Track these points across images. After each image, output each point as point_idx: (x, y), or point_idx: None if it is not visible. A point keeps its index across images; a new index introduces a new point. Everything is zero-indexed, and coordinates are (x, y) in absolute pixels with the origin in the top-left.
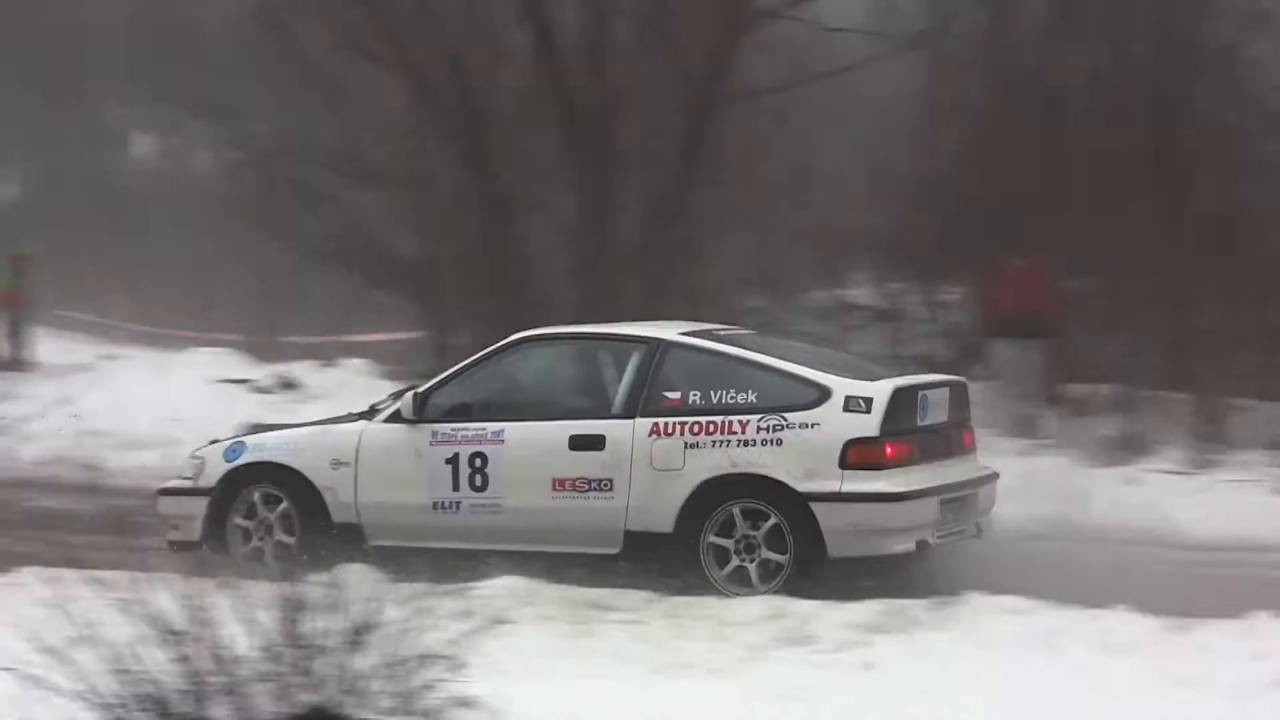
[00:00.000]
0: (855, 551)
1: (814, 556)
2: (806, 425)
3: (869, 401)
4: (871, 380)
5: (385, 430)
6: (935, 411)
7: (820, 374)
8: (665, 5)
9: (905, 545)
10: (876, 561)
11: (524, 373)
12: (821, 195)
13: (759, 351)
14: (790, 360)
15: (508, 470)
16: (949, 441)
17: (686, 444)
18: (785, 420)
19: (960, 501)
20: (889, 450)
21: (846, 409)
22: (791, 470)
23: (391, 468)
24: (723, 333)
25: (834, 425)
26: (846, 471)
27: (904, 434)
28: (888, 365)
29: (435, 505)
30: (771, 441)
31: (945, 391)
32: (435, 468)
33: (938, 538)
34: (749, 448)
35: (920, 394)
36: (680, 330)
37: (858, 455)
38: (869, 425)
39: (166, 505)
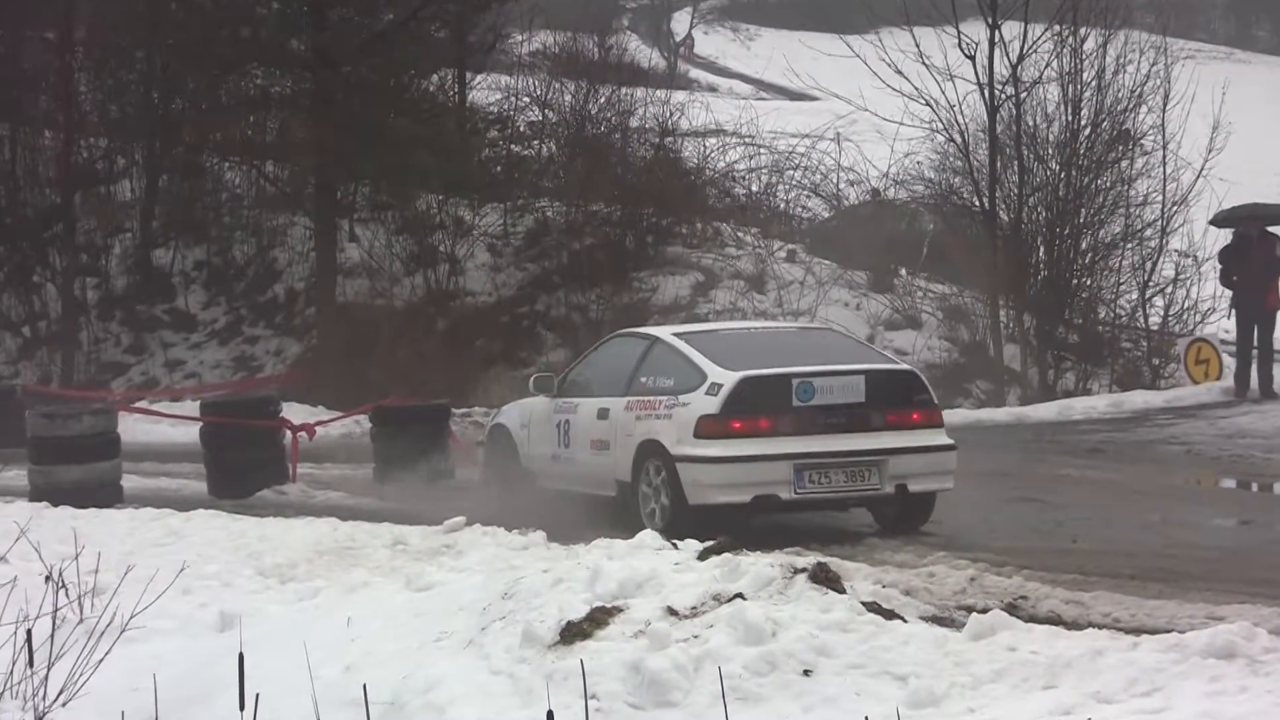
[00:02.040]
0: (703, 500)
1: (682, 504)
2: (684, 404)
3: (719, 387)
4: (736, 370)
5: (543, 402)
6: (833, 394)
7: (710, 364)
8: None
9: (741, 498)
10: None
11: (602, 361)
12: None
13: (698, 346)
14: (711, 353)
15: (575, 433)
16: (858, 418)
17: (637, 416)
18: (678, 400)
19: (841, 467)
20: (734, 424)
21: (707, 392)
22: (670, 437)
23: (540, 429)
24: (710, 330)
25: (696, 404)
26: (698, 440)
27: (761, 412)
28: (837, 357)
29: (553, 457)
30: (667, 416)
31: (855, 379)
32: (553, 430)
33: (797, 493)
34: (657, 420)
35: (796, 381)
36: (675, 330)
37: (706, 427)
38: (714, 405)
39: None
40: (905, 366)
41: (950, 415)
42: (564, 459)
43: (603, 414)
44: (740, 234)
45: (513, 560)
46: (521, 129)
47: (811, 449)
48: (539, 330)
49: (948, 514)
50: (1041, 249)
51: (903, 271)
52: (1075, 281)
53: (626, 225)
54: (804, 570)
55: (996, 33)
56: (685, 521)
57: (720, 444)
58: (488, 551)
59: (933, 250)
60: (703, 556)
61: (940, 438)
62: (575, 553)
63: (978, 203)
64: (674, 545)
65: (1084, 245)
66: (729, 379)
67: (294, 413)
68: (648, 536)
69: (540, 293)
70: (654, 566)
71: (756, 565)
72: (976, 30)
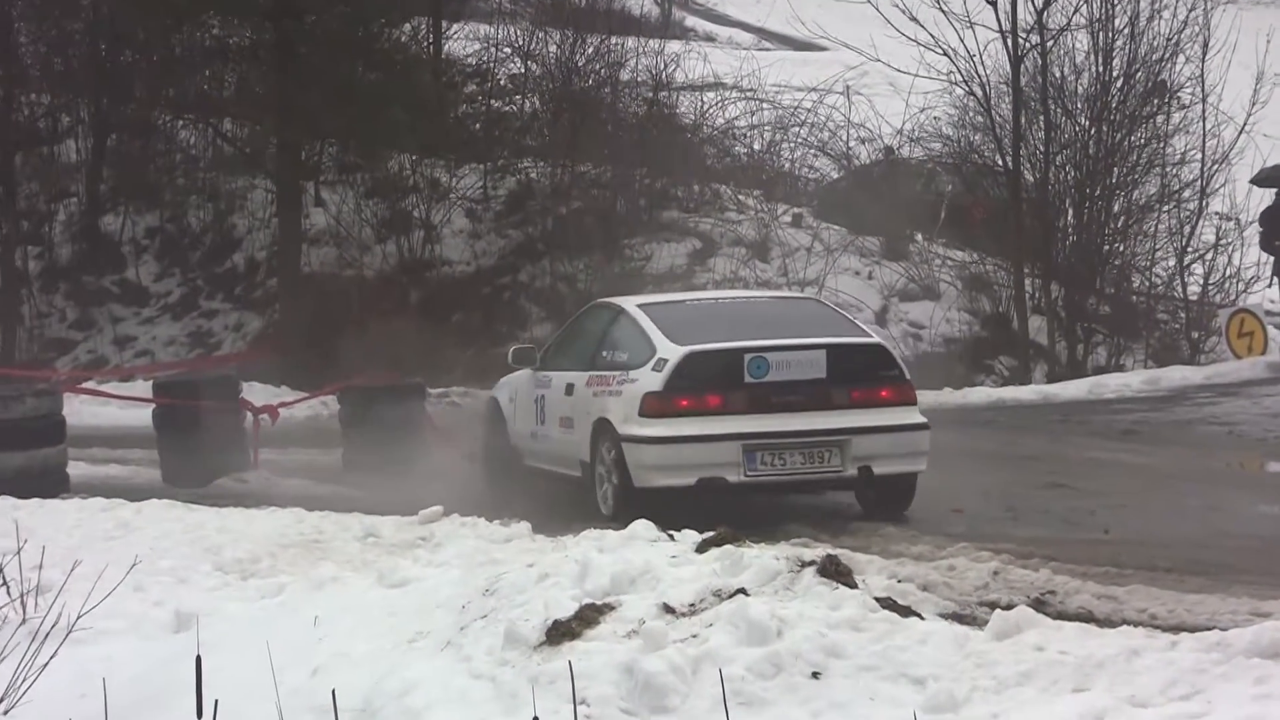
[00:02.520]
0: (647, 483)
1: (628, 486)
2: (633, 380)
3: (664, 362)
4: (684, 344)
5: (526, 374)
6: (790, 370)
7: (661, 338)
8: None
9: (684, 480)
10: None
11: (576, 334)
12: None
13: (657, 317)
14: (666, 325)
15: (548, 410)
16: (818, 395)
17: (594, 393)
18: (628, 375)
19: (798, 448)
20: (680, 402)
21: (654, 368)
22: (619, 416)
23: (523, 405)
24: (677, 301)
25: (644, 381)
26: (643, 419)
27: (710, 389)
28: (807, 329)
29: (532, 434)
30: (618, 393)
31: (815, 354)
32: (532, 405)
33: (747, 476)
34: (610, 397)
35: (748, 356)
36: (641, 300)
37: (650, 405)
38: (658, 381)
39: None
40: (873, 339)
41: (971, 394)
42: (540, 436)
43: (569, 390)
44: (741, 197)
45: (494, 553)
46: (502, 82)
47: (763, 428)
48: (522, 303)
49: (969, 501)
50: (1070, 212)
51: (919, 237)
52: (1107, 247)
53: (617, 188)
54: (812, 563)
55: None
56: (632, 505)
57: (664, 423)
58: (467, 544)
59: (951, 213)
60: (702, 549)
61: (910, 416)
62: (563, 545)
63: (1000, 162)
64: (670, 536)
65: (1116, 208)
66: (674, 353)
67: (255, 394)
68: (641, 527)
69: (523, 262)
70: (648, 560)
71: (760, 558)
72: None
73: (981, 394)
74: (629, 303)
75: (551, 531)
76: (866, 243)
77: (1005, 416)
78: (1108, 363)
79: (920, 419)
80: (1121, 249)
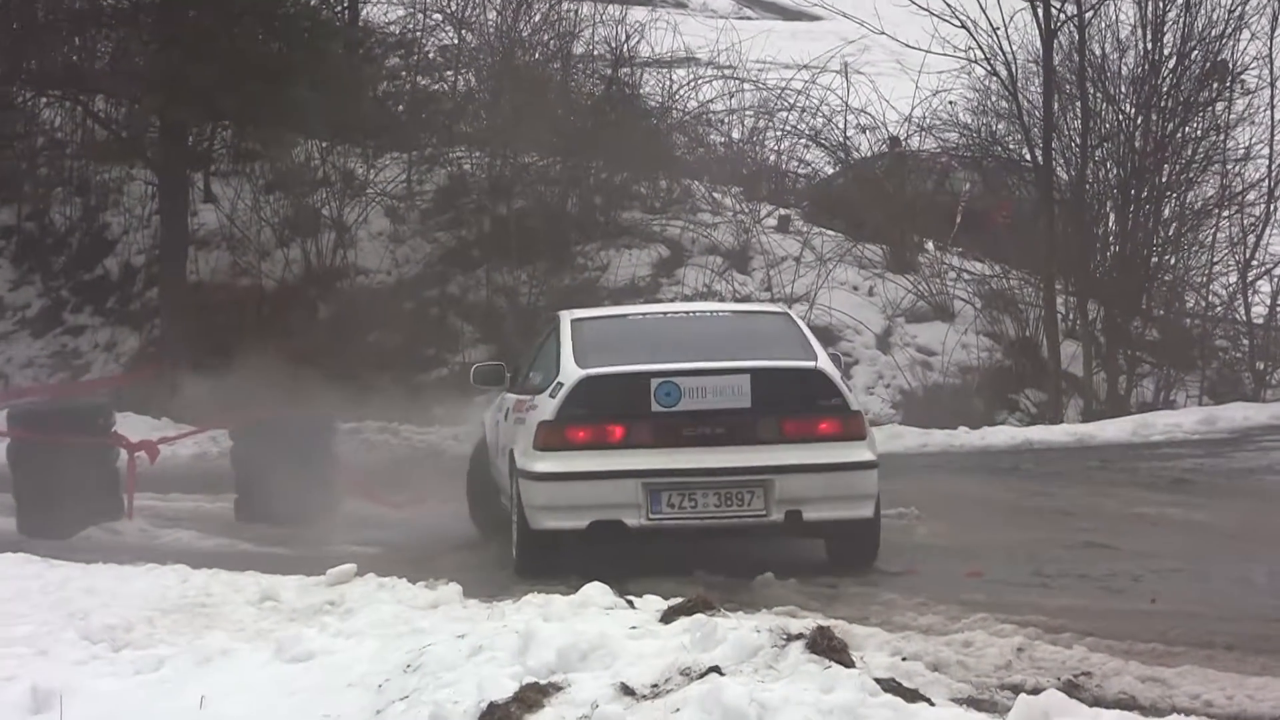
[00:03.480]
0: (542, 525)
1: (525, 529)
2: (535, 407)
3: (560, 387)
4: (587, 367)
5: (505, 395)
6: (706, 398)
7: (570, 357)
8: None
9: (575, 523)
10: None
11: (534, 350)
12: None
13: (583, 333)
14: (587, 342)
15: (500, 435)
16: (741, 427)
17: (516, 420)
18: (534, 401)
19: (713, 488)
20: (575, 433)
21: (550, 394)
22: (520, 447)
23: (489, 431)
24: (618, 315)
25: (541, 408)
26: (536, 452)
27: (610, 418)
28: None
29: (494, 465)
30: (523, 421)
31: (737, 380)
32: (495, 432)
33: (650, 519)
34: (519, 425)
35: (656, 381)
36: (581, 314)
37: (543, 437)
38: (550, 409)
39: None
40: (809, 364)
41: (992, 434)
42: (496, 470)
43: (506, 414)
44: (717, 195)
45: (418, 622)
46: (431, 55)
47: (671, 464)
48: (452, 320)
49: (988, 563)
50: (1111, 217)
51: (929, 245)
52: (1155, 260)
53: (568, 183)
54: (800, 636)
55: None
56: (528, 550)
57: (556, 457)
58: (385, 610)
59: (969, 218)
60: (667, 618)
61: (853, 453)
62: (500, 611)
63: (1028, 156)
64: (629, 602)
65: (1167, 212)
66: (571, 377)
67: (130, 427)
68: (595, 591)
69: (454, 271)
70: (603, 631)
71: (738, 630)
72: None
73: (1004, 435)
74: (567, 316)
75: (492, 593)
76: (867, 252)
77: (1032, 462)
78: (1155, 398)
79: (865, 456)
80: (1173, 262)
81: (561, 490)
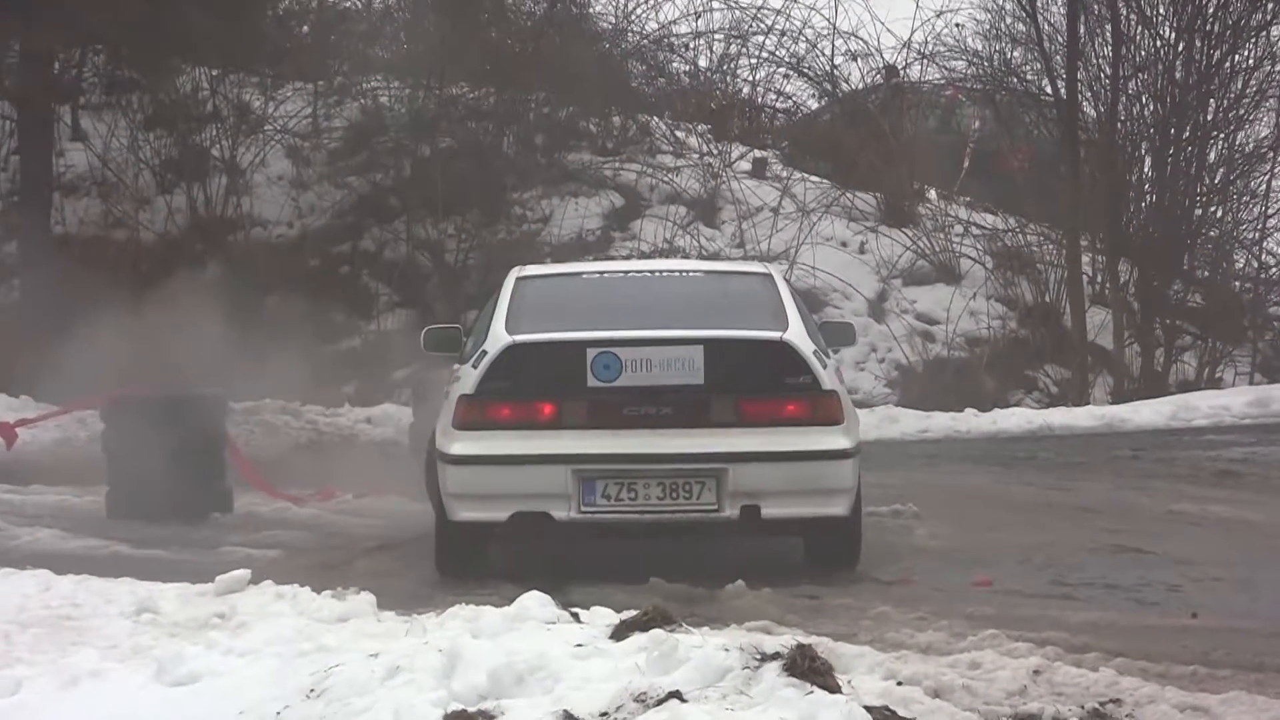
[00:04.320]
0: (459, 516)
1: (443, 520)
2: (457, 379)
3: (484, 356)
4: (516, 333)
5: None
6: (652, 372)
7: (500, 322)
8: None
9: (495, 515)
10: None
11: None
12: None
13: (525, 293)
14: (526, 305)
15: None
16: (692, 407)
17: (445, 392)
18: (455, 372)
19: (656, 477)
20: (497, 410)
21: (473, 364)
22: (441, 425)
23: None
24: (571, 273)
25: (463, 380)
26: (455, 431)
27: (539, 394)
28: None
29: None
30: (447, 394)
31: (688, 352)
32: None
33: (582, 512)
34: (445, 400)
35: (594, 352)
36: (533, 270)
37: (462, 414)
38: (470, 382)
39: None
40: (774, 335)
41: (1005, 418)
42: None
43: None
44: (681, 134)
45: (324, 638)
46: None
47: (607, 449)
48: (366, 281)
49: (1000, 570)
50: (1148, 161)
51: (932, 194)
52: (1200, 212)
53: (504, 119)
54: (776, 656)
55: None
56: (448, 547)
57: (475, 438)
58: (284, 624)
59: (979, 161)
60: (619, 634)
61: (825, 439)
62: (422, 626)
63: (1049, 88)
64: (574, 615)
65: (1213, 156)
66: (496, 344)
67: None
68: (534, 601)
69: (369, 223)
70: (543, 649)
71: (703, 648)
72: None
73: (1020, 418)
74: (515, 273)
75: (413, 604)
76: (858, 202)
77: (1053, 450)
78: (1198, 376)
79: (838, 443)
80: (1220, 214)
81: (480, 476)
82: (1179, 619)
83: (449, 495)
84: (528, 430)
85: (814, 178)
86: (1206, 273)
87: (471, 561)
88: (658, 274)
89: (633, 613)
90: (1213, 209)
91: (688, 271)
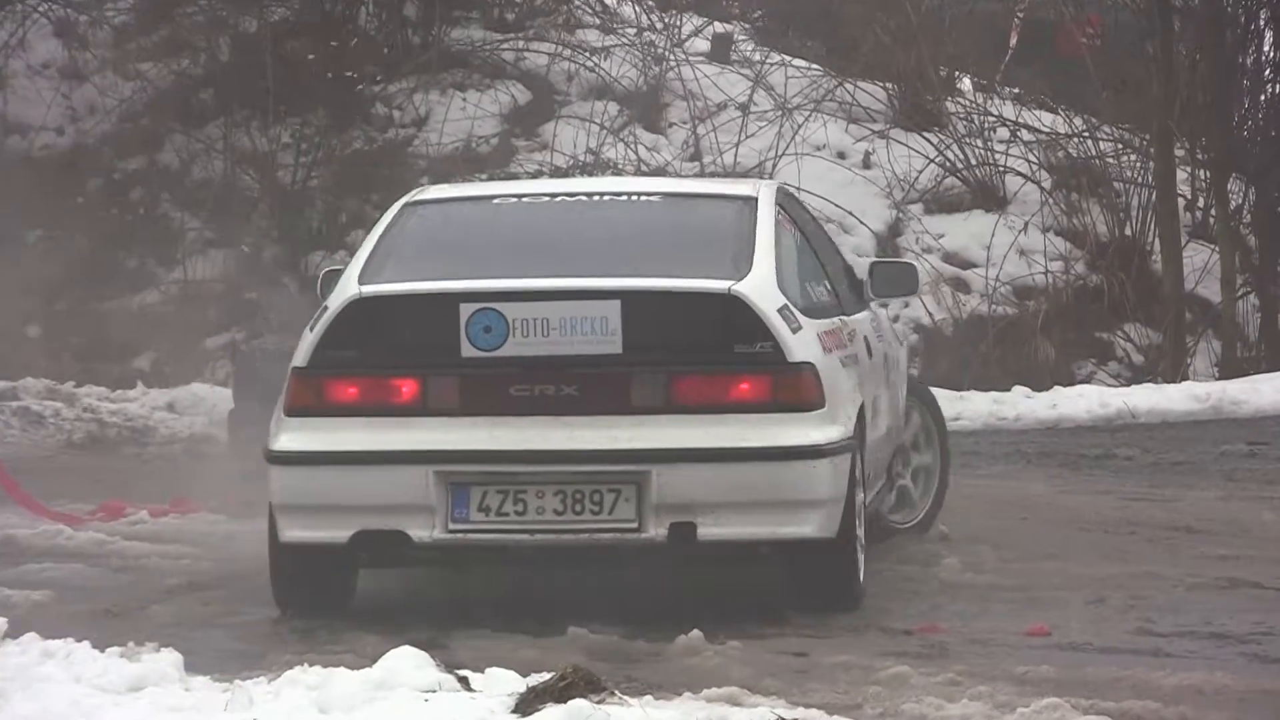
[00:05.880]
0: (288, 536)
1: (275, 543)
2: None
3: (322, 315)
4: (367, 283)
5: None
6: (550, 339)
7: (356, 269)
8: None
9: (335, 535)
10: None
11: None
12: None
13: (401, 227)
14: (404, 241)
15: None
16: (604, 386)
17: None
18: (305, 335)
19: (551, 483)
20: (337, 388)
21: (311, 326)
22: (279, 412)
23: None
24: (486, 196)
25: (301, 349)
26: (285, 418)
27: (395, 367)
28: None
29: None
30: None
31: (601, 309)
32: None
33: (451, 530)
34: None
35: (470, 309)
36: (435, 193)
37: (292, 395)
38: (303, 351)
39: None
40: (721, 285)
41: (1068, 399)
42: None
43: None
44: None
45: (110, 714)
46: None
47: (481, 444)
48: (166, 208)
49: (1063, 615)
50: (1269, 35)
51: (966, 85)
52: None
53: None
54: None
55: None
56: (281, 577)
57: (308, 427)
58: (55, 695)
59: (1032, 38)
60: (525, 707)
61: (792, 430)
62: (247, 698)
63: None
64: (462, 681)
65: None
66: (340, 298)
67: None
68: (404, 661)
69: (171, 130)
70: None
71: None
72: None
73: (1090, 400)
74: (410, 196)
75: (237, 664)
76: (861, 96)
77: (1137, 445)
78: None
79: (811, 437)
80: None
81: (311, 481)
82: None
83: (274, 507)
84: (379, 417)
85: (799, 61)
86: None
87: (315, 599)
88: (602, 198)
89: (544, 676)
90: None
91: (645, 195)
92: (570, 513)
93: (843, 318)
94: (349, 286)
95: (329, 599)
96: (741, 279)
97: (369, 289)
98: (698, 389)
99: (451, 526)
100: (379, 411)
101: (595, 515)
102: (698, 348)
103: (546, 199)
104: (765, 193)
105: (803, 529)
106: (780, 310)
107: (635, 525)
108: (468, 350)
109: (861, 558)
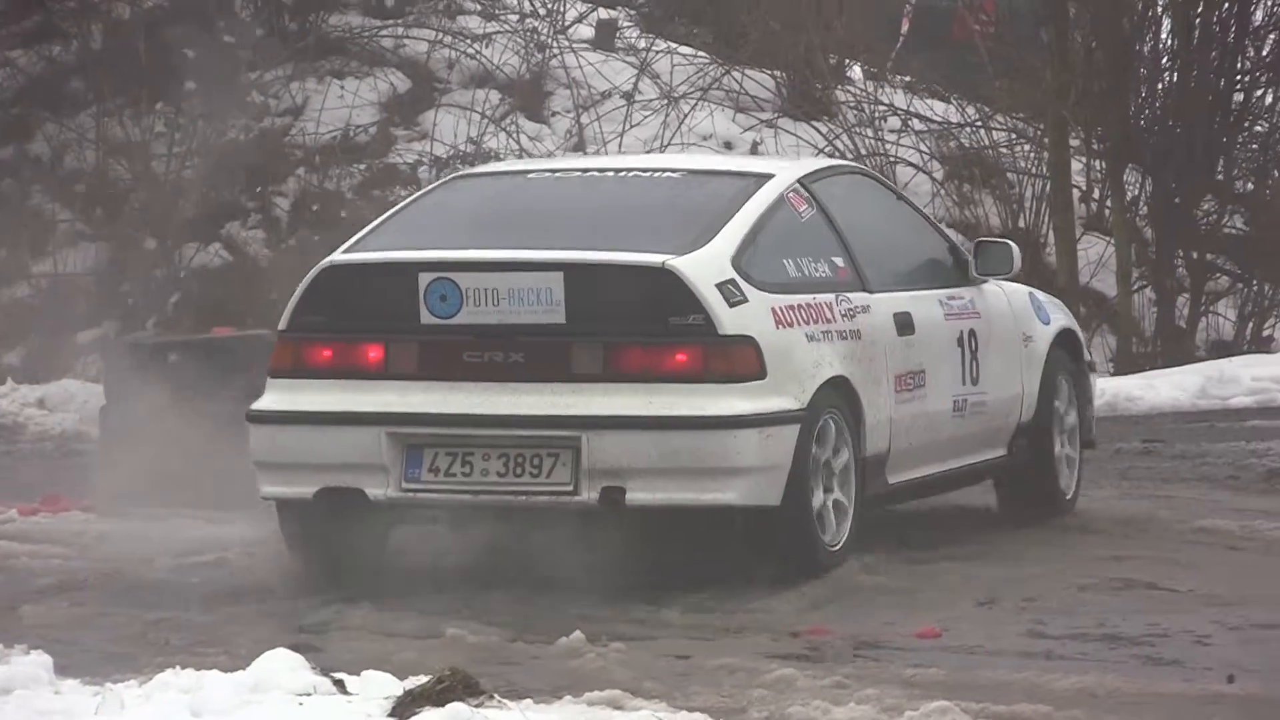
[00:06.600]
0: (268, 491)
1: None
2: None
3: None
4: (356, 251)
5: None
6: (501, 308)
7: (352, 241)
8: None
9: (301, 490)
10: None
11: None
12: None
13: (412, 204)
14: (410, 215)
15: None
16: (548, 355)
17: None
18: None
19: (494, 446)
20: (310, 351)
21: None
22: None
23: None
24: (499, 172)
25: (284, 315)
26: (269, 379)
27: (362, 331)
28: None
29: None
30: None
31: (545, 279)
32: None
33: (405, 489)
34: None
35: (428, 279)
36: (466, 172)
37: (275, 356)
38: (284, 316)
39: None
40: (656, 258)
41: None
42: None
43: None
44: None
45: None
46: None
47: (431, 407)
48: (37, 200)
49: (953, 615)
50: (1168, 21)
51: (856, 72)
52: (1241, 96)
53: None
54: None
55: None
56: (286, 527)
57: (285, 388)
58: None
59: (924, 24)
60: (402, 711)
61: (718, 400)
62: (119, 700)
63: None
64: (338, 684)
65: (1260, 15)
66: (317, 266)
67: None
68: (279, 663)
69: (40, 118)
70: None
71: None
72: None
73: None
74: (452, 174)
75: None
76: (749, 84)
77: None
78: (1239, 334)
79: (736, 407)
80: (1270, 100)
81: (282, 439)
82: (1209, 684)
83: (255, 463)
84: (347, 380)
85: (685, 49)
86: (1251, 185)
87: (323, 551)
88: (625, 174)
89: (422, 679)
90: (1259, 93)
91: (667, 171)
92: (511, 475)
93: (850, 295)
94: (330, 258)
95: (338, 550)
96: (687, 253)
97: (341, 257)
98: (633, 359)
99: (405, 486)
100: (347, 374)
101: (534, 478)
102: (635, 319)
103: (578, 174)
104: (786, 173)
105: (725, 495)
106: (722, 284)
107: (570, 489)
108: (426, 318)
109: (846, 525)
